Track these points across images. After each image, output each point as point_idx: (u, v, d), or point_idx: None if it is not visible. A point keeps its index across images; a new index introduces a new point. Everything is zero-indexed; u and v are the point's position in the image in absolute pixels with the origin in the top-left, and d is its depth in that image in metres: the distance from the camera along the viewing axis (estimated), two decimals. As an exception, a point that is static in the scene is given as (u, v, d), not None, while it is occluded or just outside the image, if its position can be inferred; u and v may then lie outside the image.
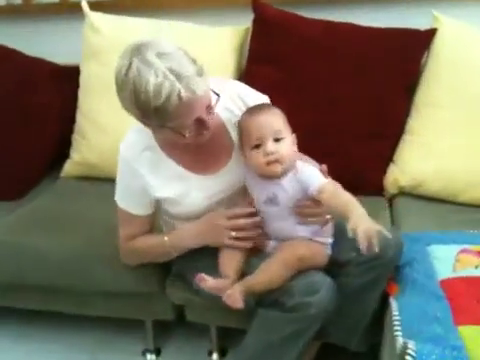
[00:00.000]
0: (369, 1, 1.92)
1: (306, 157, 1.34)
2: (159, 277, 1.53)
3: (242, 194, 1.33)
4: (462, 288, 1.24)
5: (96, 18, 1.94)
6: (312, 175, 1.23)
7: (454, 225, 1.56)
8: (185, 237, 1.34)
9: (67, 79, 2.02)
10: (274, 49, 1.84)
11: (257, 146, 1.21)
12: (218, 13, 2.01)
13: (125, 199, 1.34)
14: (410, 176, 1.75)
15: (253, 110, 1.25)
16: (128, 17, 1.95)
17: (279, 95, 1.80)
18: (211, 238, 1.31)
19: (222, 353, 1.69)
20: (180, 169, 1.30)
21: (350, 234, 1.05)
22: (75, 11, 1.99)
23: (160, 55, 1.10)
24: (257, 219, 1.28)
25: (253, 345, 1.29)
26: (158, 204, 1.35)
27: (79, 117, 1.98)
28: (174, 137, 1.19)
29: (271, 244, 1.31)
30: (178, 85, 1.08)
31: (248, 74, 1.90)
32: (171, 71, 1.09)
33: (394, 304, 1.25)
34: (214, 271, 1.28)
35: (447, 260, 1.35)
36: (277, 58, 1.84)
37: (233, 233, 1.27)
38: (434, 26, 1.78)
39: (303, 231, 1.27)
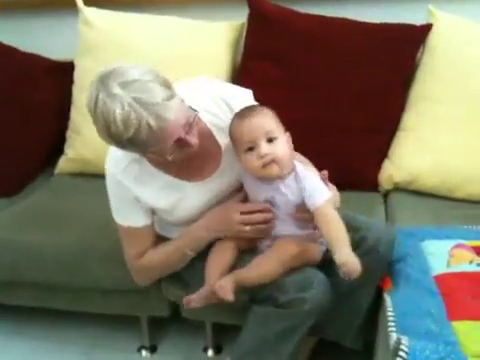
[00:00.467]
0: (365, -4, 1.91)
1: (303, 158, 1.33)
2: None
3: (234, 196, 1.32)
4: (456, 283, 1.23)
5: (90, 13, 1.93)
6: (316, 189, 1.20)
7: (449, 220, 1.56)
8: (200, 234, 1.31)
9: (62, 75, 2.00)
10: (269, 44, 1.83)
11: (250, 149, 1.19)
12: (213, 8, 2.00)
13: (123, 214, 1.31)
14: (405, 171, 1.75)
15: (242, 113, 1.22)
16: (122, 12, 1.94)
17: (274, 90, 1.81)
18: (224, 232, 1.29)
19: (217, 349, 1.70)
20: (170, 178, 1.28)
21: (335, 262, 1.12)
22: (69, 6, 1.96)
23: (124, 85, 1.05)
24: (269, 215, 1.26)
25: (248, 341, 1.29)
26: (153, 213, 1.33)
27: (74, 113, 1.97)
28: (159, 159, 1.19)
29: (265, 242, 1.30)
30: (146, 114, 1.04)
31: (243, 70, 1.89)
32: (136, 101, 1.04)
33: (388, 300, 1.24)
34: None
35: (441, 255, 1.34)
36: (272, 53, 1.83)
37: (247, 228, 1.25)
38: (430, 21, 1.78)
39: (301, 233, 1.27)
